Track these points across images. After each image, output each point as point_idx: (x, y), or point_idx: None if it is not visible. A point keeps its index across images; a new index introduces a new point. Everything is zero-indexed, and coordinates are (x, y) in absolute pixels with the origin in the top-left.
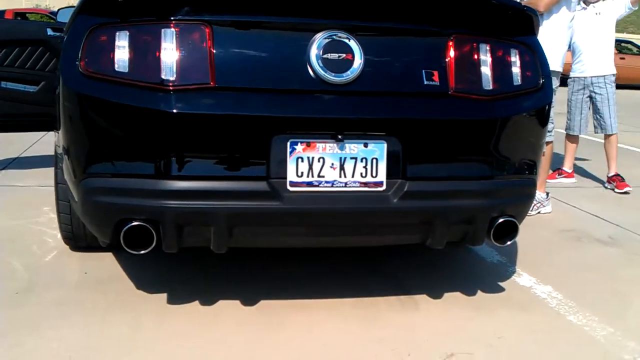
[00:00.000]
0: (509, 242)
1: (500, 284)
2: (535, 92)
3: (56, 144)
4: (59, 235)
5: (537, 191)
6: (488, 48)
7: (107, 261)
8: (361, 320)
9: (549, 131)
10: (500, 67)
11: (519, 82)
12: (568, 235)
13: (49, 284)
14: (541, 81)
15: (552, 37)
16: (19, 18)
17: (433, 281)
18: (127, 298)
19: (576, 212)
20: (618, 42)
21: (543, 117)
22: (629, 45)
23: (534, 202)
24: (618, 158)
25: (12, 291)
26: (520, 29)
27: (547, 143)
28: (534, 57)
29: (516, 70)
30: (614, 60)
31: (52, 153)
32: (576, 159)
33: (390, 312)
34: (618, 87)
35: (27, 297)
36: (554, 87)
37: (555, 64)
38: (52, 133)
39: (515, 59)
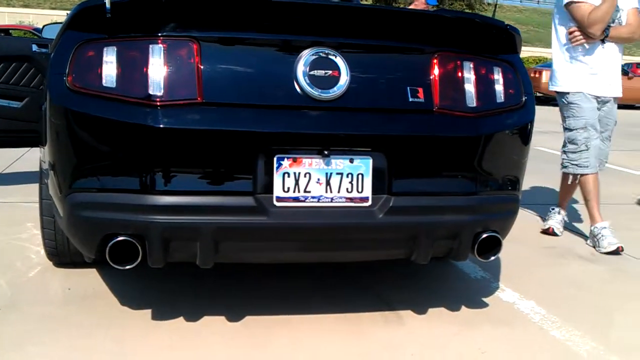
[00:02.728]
0: (492, 258)
1: (484, 299)
2: (518, 109)
3: (41, 159)
4: (43, 251)
5: (599, 223)
6: (472, 66)
7: (91, 277)
8: (346, 335)
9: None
10: (484, 85)
11: (502, 99)
12: (551, 251)
13: (32, 300)
14: (524, 98)
15: (618, 63)
16: (2, 34)
17: (417, 297)
18: (111, 314)
19: None
20: None
21: (526, 134)
22: None
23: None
24: (609, 177)
25: None
26: (503, 48)
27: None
28: (517, 75)
29: (499, 87)
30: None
31: (35, 170)
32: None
33: (375, 328)
34: None
35: (11, 313)
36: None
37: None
38: (35, 149)
39: (498, 76)
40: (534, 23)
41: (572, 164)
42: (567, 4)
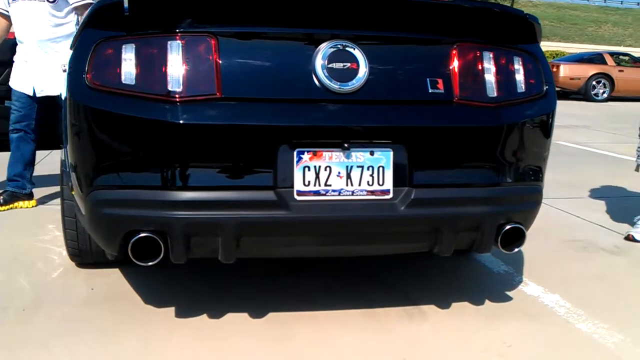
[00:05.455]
0: (516, 249)
1: (508, 293)
2: (539, 99)
3: (62, 159)
4: (65, 253)
5: None
6: (491, 56)
7: (114, 277)
8: (371, 331)
9: None
10: (504, 75)
11: (523, 89)
12: (574, 245)
13: (56, 300)
14: (545, 88)
15: None
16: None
17: (441, 292)
18: (134, 313)
19: (581, 222)
20: (616, 55)
21: (548, 124)
22: (626, 58)
23: None
24: (612, 167)
25: (19, 308)
26: (523, 37)
27: None
28: (537, 65)
29: (520, 77)
30: (613, 73)
31: (55, 173)
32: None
33: (399, 324)
34: (617, 99)
35: (35, 314)
36: None
37: None
38: (54, 153)
39: (518, 66)
40: (550, 17)
41: None
42: None
